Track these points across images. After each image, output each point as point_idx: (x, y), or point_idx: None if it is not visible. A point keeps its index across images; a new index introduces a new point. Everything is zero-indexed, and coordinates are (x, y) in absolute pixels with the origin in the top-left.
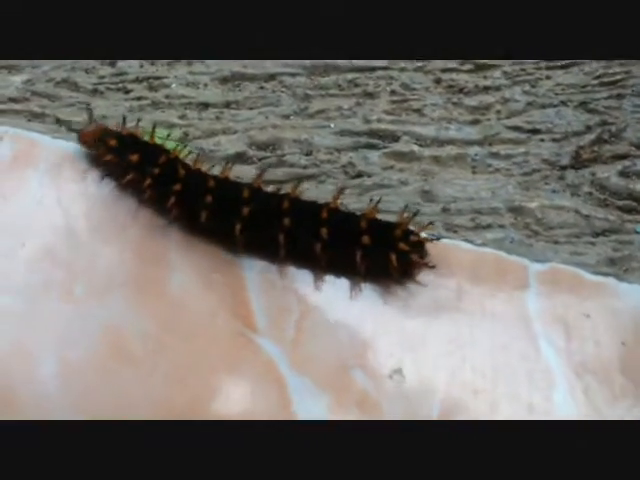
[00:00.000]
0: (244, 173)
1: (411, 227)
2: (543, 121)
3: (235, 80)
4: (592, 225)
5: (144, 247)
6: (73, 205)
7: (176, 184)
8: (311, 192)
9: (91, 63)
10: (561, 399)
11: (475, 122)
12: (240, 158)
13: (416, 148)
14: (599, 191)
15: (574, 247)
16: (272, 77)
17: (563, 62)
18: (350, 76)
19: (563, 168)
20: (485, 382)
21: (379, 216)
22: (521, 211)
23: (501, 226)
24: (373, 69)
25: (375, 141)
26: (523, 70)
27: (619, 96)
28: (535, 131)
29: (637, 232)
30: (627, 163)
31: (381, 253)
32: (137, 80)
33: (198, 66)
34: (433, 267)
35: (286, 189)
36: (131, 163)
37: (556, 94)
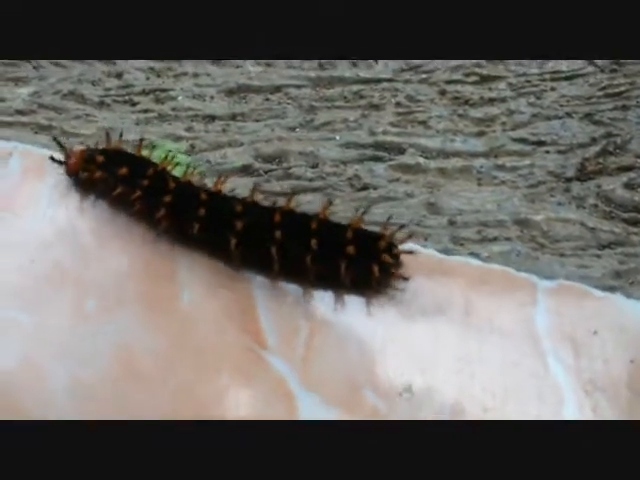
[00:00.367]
0: (250, 186)
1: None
2: (548, 133)
3: (241, 92)
4: (598, 238)
5: (154, 263)
6: (82, 220)
7: (165, 196)
8: (316, 205)
9: (97, 75)
10: (570, 417)
11: (480, 134)
12: (246, 171)
13: (422, 160)
14: (604, 203)
15: (580, 260)
16: (278, 89)
17: (568, 73)
18: (355, 88)
19: (568, 180)
20: (494, 399)
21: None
22: (527, 224)
23: (507, 239)
24: (378, 81)
25: (381, 153)
26: (528, 82)
27: (624, 107)
28: (540, 143)
29: None
30: (632, 175)
31: (364, 264)
32: (143, 92)
33: (204, 78)
34: (407, 279)
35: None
36: (120, 177)
37: (561, 106)
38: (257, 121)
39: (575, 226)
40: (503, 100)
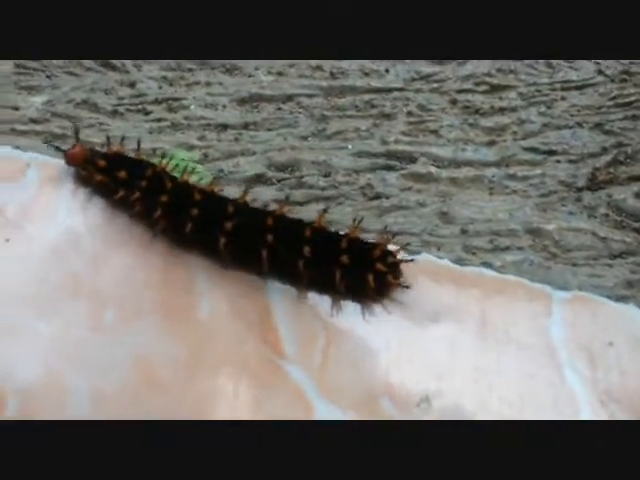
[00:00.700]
0: (264, 195)
1: (389, 247)
2: (559, 142)
3: (253, 101)
4: (609, 247)
5: (172, 273)
6: (99, 231)
7: (162, 196)
8: (333, 215)
9: (110, 84)
10: None
11: (491, 143)
12: (259, 180)
13: (433, 169)
14: (615, 213)
15: (592, 269)
16: (289, 98)
17: (578, 83)
18: (367, 97)
19: (579, 190)
20: (511, 410)
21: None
22: (539, 233)
23: (519, 248)
24: (390, 90)
25: (393, 162)
26: (538, 91)
27: (634, 117)
28: (551, 152)
29: None
30: None
31: (359, 273)
32: (156, 101)
33: (216, 87)
34: (407, 287)
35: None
36: (120, 180)
37: (571, 115)
38: (269, 130)
39: (587, 236)
40: (514, 109)
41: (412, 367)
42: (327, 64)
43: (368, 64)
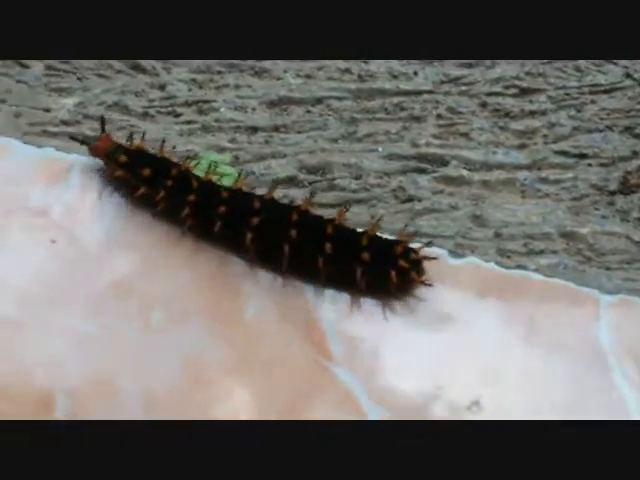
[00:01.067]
0: (295, 197)
1: (411, 245)
2: (590, 146)
3: (282, 104)
4: None
5: (218, 277)
6: (141, 234)
7: (190, 195)
8: (362, 216)
9: (141, 86)
10: None
11: (522, 146)
12: (291, 182)
13: (465, 172)
14: None
15: (626, 273)
16: (319, 101)
17: (606, 87)
18: (396, 100)
19: (612, 193)
20: (561, 415)
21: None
22: (573, 237)
23: (554, 252)
24: (419, 93)
25: (424, 165)
26: (567, 95)
27: None
28: (582, 156)
29: None
30: None
31: (382, 270)
32: (186, 103)
33: (245, 90)
34: (430, 285)
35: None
36: (143, 177)
37: (601, 119)
38: (299, 133)
39: (620, 239)
40: (544, 113)
41: (462, 370)
42: (355, 67)
43: (396, 67)
